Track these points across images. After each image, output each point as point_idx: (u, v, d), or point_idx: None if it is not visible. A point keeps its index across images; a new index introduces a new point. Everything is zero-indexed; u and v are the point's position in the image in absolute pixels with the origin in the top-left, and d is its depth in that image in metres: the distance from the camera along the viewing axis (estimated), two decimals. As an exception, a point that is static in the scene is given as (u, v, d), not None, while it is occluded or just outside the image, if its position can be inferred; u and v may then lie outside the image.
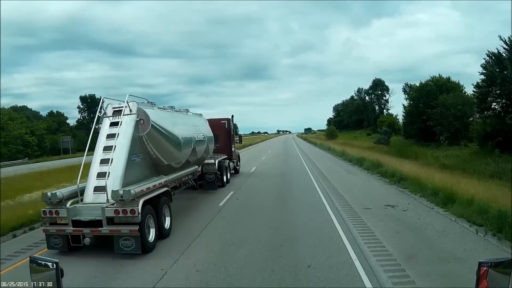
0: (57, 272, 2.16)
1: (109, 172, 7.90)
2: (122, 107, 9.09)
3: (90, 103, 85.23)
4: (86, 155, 8.88)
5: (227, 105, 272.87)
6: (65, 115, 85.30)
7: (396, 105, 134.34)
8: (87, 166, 8.52)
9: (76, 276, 6.41)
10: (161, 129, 9.59)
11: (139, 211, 7.22)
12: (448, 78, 51.88)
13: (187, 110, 14.10)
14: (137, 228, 7.19)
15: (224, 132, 19.02)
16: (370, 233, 8.60)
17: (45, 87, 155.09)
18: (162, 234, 8.38)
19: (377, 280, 5.91)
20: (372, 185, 16.54)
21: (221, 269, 6.57)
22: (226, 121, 19.55)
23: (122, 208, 7.22)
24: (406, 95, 72.16)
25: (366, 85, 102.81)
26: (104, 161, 8.31)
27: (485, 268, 2.11)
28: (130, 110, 8.98)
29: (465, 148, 33.52)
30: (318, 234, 8.66)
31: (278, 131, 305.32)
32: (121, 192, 7.27)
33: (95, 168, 8.37)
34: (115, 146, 8.37)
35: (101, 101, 9.78)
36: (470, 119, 39.67)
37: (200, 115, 15.98)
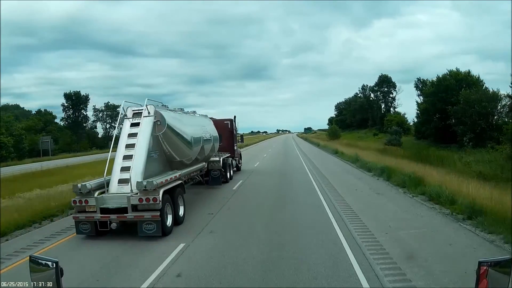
0: (57, 272, 2.15)
1: (132, 166, 9.11)
2: (141, 109, 10.31)
3: (75, 101, 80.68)
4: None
5: (227, 105, 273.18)
6: (53, 114, 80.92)
7: (404, 103, 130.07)
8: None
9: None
10: (175, 129, 10.81)
11: (160, 199, 8.44)
12: (468, 72, 46.98)
13: (194, 112, 15.32)
14: (158, 213, 8.40)
15: (227, 132, 20.24)
16: None
17: (45, 87, 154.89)
18: (177, 220, 9.60)
19: None
20: (433, 226, 9.12)
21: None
22: (229, 122, 20.77)
23: (146, 196, 8.43)
24: (418, 91, 67.00)
25: (370, 83, 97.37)
26: (126, 157, 9.52)
27: (485, 268, 2.08)
28: (149, 113, 10.18)
29: (493, 151, 27.96)
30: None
31: (278, 131, 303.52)
32: (144, 183, 8.49)
33: (119, 163, 9.57)
34: (136, 144, 9.58)
35: (122, 104, 10.96)
36: (495, 118, 35.64)
37: (206, 116, 17.21)
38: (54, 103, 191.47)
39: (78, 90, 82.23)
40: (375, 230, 8.73)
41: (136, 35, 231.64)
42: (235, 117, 21.71)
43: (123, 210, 8.69)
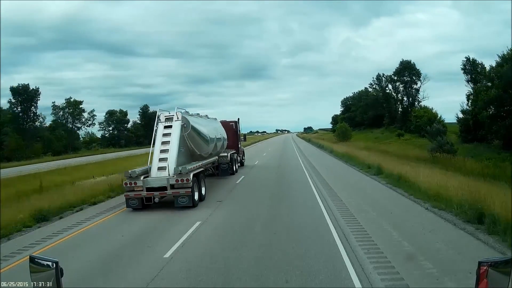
0: (57, 272, 2.15)
1: (170, 157, 12.53)
2: (172, 115, 13.72)
3: (24, 97, 67.25)
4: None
5: (227, 105, 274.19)
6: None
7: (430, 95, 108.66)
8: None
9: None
10: (197, 130, 14.25)
11: (191, 180, 11.85)
12: None
13: (206, 116, 18.73)
14: (190, 190, 11.81)
15: (233, 132, 23.61)
16: None
17: (44, 87, 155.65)
18: (201, 197, 13.02)
19: None
20: None
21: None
22: (233, 123, 24.21)
23: (181, 178, 11.84)
24: (468, 76, 51.58)
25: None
26: (163, 151, 12.93)
27: (485, 268, 2.06)
28: (178, 118, 13.59)
29: None
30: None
31: (277, 130, 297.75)
32: (180, 168, 11.91)
33: (156, 155, 12.97)
34: (170, 141, 13.00)
35: (157, 112, 14.36)
36: None
37: (215, 119, 20.64)
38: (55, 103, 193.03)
39: (26, 83, 68.35)
40: None
41: (135, 35, 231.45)
42: (238, 119, 25.16)
43: (163, 188, 12.09)
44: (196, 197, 12.48)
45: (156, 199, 12.24)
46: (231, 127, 23.53)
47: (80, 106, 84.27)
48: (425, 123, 48.73)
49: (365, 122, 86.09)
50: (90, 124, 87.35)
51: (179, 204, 11.95)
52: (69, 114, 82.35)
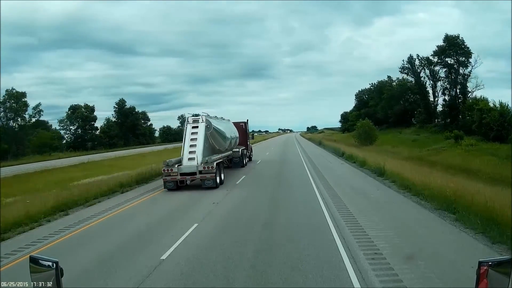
0: (57, 272, 2.17)
1: (197, 150, 16.53)
2: (198, 118, 17.71)
3: None
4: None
5: (228, 105, 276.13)
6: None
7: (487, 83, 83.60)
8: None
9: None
10: (217, 130, 18.24)
11: (215, 167, 15.84)
12: None
13: (222, 118, 22.70)
14: (214, 175, 15.80)
15: (242, 131, 27.54)
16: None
17: (46, 86, 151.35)
18: (221, 181, 17.00)
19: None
20: None
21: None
22: (243, 123, 28.18)
23: (207, 166, 15.83)
24: None
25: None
26: (192, 146, 16.93)
27: (485, 268, 2.07)
28: (202, 120, 17.57)
29: None
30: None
31: (280, 130, 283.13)
32: (206, 158, 15.92)
33: (187, 149, 16.95)
34: (198, 139, 16.99)
35: (186, 116, 18.34)
36: None
37: (229, 120, 24.61)
38: (55, 102, 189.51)
39: None
40: None
41: (136, 34, 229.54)
42: (247, 120, 29.18)
43: (193, 174, 16.08)
44: (218, 180, 16.48)
45: (188, 182, 16.29)
46: (241, 127, 27.48)
47: (24, 99, 65.78)
48: (495, 120, 36.93)
49: (389, 119, 68.31)
50: (31, 121, 68.19)
51: (205, 185, 15.95)
52: (7, 109, 64.02)
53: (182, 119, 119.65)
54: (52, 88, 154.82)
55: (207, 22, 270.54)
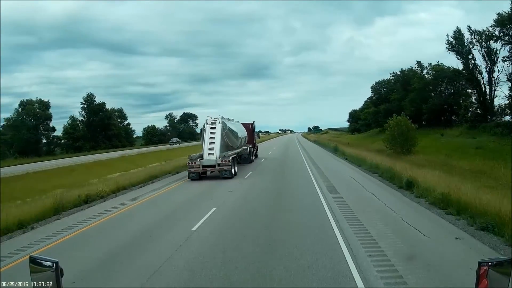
0: (57, 272, 2.18)
1: (215, 147, 20.09)
2: (215, 120, 21.26)
3: None
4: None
5: (229, 104, 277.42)
6: None
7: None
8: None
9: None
10: (231, 130, 21.84)
11: (230, 161, 19.40)
12: None
13: (233, 120, 26.23)
14: (230, 167, 19.37)
15: (250, 131, 31.08)
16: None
17: (47, 86, 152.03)
18: (235, 173, 20.54)
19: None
20: None
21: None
22: (250, 124, 31.75)
23: (224, 159, 19.39)
24: None
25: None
26: (211, 143, 20.47)
27: (485, 268, 2.07)
28: (219, 122, 21.13)
29: None
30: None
31: (280, 130, 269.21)
32: (224, 153, 19.48)
33: (206, 146, 20.49)
34: (216, 138, 20.54)
35: (206, 118, 21.88)
36: None
37: (238, 121, 28.14)
38: (55, 102, 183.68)
39: None
40: None
41: (137, 34, 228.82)
42: (254, 121, 32.75)
43: (212, 166, 19.63)
44: (233, 172, 20.03)
45: (208, 173, 19.85)
46: (248, 128, 31.02)
47: None
48: None
49: (423, 117, 50.36)
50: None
51: (223, 175, 19.48)
52: None
53: (171, 118, 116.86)
54: (53, 87, 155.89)
55: (208, 21, 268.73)
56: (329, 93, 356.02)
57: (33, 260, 2.26)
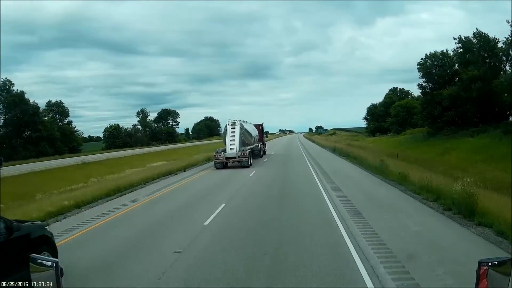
0: (57, 272, 2.19)
1: (235, 143, 25.94)
2: (235, 122, 27.11)
3: None
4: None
5: (230, 104, 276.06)
6: None
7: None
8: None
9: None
10: (247, 130, 27.73)
11: (247, 154, 25.29)
12: None
13: (246, 121, 32.02)
14: (247, 158, 25.23)
15: (259, 131, 36.82)
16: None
17: (47, 85, 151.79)
18: (251, 163, 26.36)
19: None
20: None
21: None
22: (260, 125, 37.56)
23: (243, 153, 25.25)
24: None
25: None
26: (232, 140, 26.32)
27: (485, 268, 2.08)
28: (238, 124, 26.98)
29: None
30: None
31: (280, 131, 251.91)
32: (242, 148, 25.35)
33: (228, 142, 26.34)
34: (235, 136, 26.39)
35: (228, 120, 27.65)
36: None
37: (251, 123, 33.94)
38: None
39: None
40: None
41: (137, 33, 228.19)
42: (263, 123, 38.59)
43: (234, 158, 25.46)
44: (249, 162, 25.83)
45: (230, 163, 25.66)
46: (259, 128, 36.79)
47: None
48: None
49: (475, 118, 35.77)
50: None
51: (242, 165, 25.29)
52: None
53: (143, 114, 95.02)
54: (53, 87, 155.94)
55: (209, 21, 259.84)
56: (330, 94, 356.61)
57: (33, 260, 2.27)
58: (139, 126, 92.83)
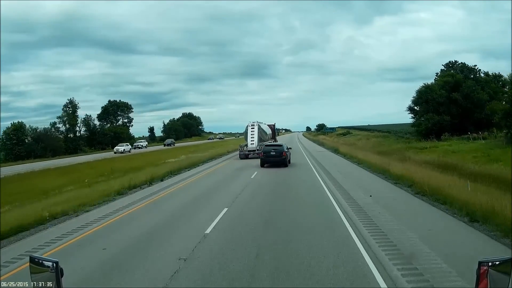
0: (57, 272, 2.19)
1: (255, 140, 34.30)
2: (254, 123, 35.45)
3: None
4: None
5: (228, 104, 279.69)
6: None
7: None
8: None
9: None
10: (263, 129, 36.15)
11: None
12: None
13: (263, 122, 40.26)
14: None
15: (272, 130, 44.94)
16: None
17: (44, 85, 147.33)
18: (266, 155, 34.70)
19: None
20: None
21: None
22: (273, 125, 45.73)
23: (261, 147, 33.39)
24: None
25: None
26: (252, 137, 34.64)
27: (485, 268, 2.09)
28: (256, 124, 35.29)
29: None
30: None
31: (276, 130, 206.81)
32: (260, 143, 33.68)
33: (249, 139, 34.65)
34: (255, 134, 34.72)
35: (249, 122, 35.91)
36: None
37: (265, 124, 42.16)
38: (53, 101, 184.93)
39: None
40: None
41: (134, 32, 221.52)
42: (275, 123, 46.76)
43: (253, 151, 33.75)
44: (265, 154, 34.16)
45: (251, 155, 33.96)
46: (271, 127, 44.91)
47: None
48: None
49: None
50: None
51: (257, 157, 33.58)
52: None
53: (72, 107, 68.83)
54: (50, 86, 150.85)
55: (206, 20, 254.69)
56: (328, 93, 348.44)
57: (33, 260, 2.27)
58: (61, 125, 68.12)
